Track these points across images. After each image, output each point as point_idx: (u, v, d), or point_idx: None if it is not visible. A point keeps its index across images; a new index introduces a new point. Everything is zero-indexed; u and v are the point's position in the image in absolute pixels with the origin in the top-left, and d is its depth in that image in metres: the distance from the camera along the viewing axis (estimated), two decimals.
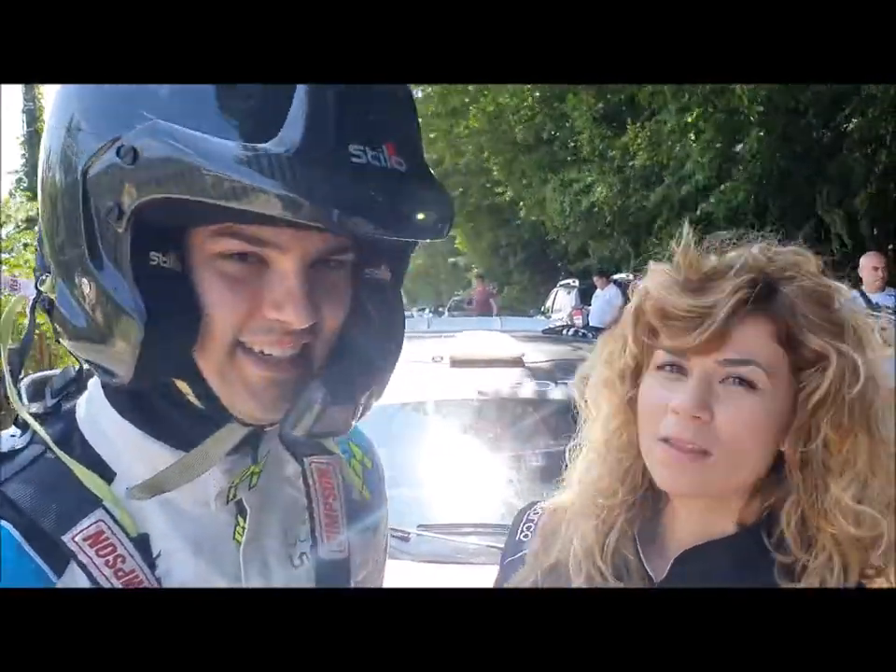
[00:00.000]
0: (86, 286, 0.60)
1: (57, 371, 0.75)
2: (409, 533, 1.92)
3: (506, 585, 0.93)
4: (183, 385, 0.64)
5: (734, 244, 0.84)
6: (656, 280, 0.81)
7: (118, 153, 0.55)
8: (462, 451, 2.37)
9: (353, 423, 0.67)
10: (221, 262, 0.59)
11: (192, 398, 0.64)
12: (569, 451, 0.94)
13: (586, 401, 0.91)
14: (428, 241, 0.62)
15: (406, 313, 0.77)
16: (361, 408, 0.66)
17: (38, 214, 0.66)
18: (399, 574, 1.66)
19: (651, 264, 0.85)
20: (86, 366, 0.74)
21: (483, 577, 1.04)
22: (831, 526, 0.76)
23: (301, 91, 0.54)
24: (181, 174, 0.53)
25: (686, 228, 0.84)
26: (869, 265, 5.36)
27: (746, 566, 0.80)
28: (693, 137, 9.11)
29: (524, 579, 0.91)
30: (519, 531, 0.99)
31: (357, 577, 0.82)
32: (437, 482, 2.29)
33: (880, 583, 0.78)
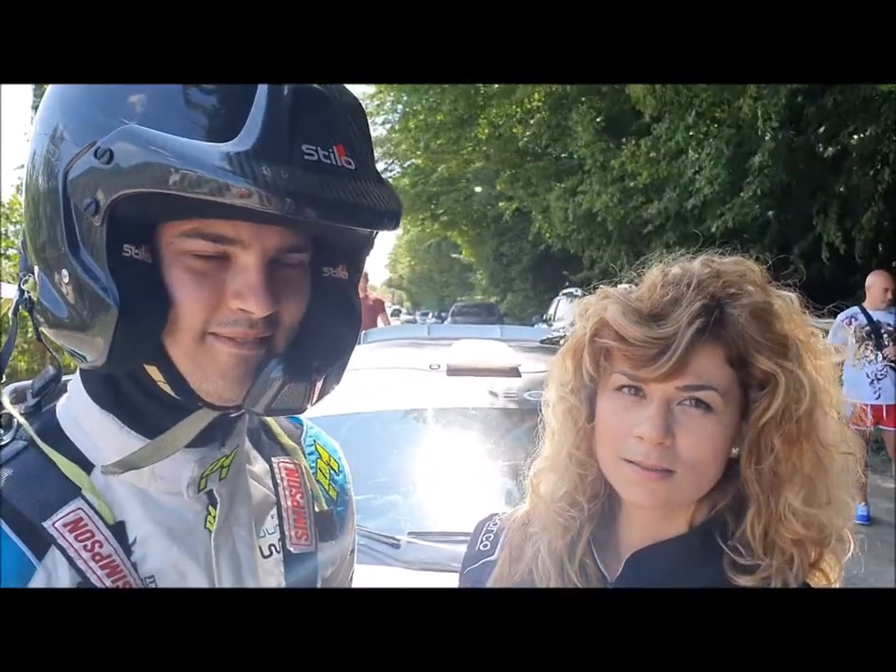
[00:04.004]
0: (66, 276, 0.64)
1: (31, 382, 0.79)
2: (399, 540, 1.92)
3: None
4: (154, 371, 0.68)
5: (683, 257, 0.88)
6: (613, 309, 0.83)
7: (95, 154, 0.61)
8: (456, 459, 2.37)
9: (308, 403, 0.70)
10: (189, 259, 0.65)
11: (163, 384, 0.68)
12: (529, 466, 0.97)
13: (546, 419, 0.94)
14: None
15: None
16: (317, 390, 0.71)
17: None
18: (389, 581, 1.67)
19: (603, 289, 0.88)
20: (64, 375, 0.78)
21: None
22: (786, 531, 0.81)
23: (260, 94, 0.60)
24: (153, 171, 0.58)
25: (654, 262, 0.87)
26: (880, 285, 5.36)
27: (694, 561, 0.86)
28: (699, 151, 9.06)
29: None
30: (479, 542, 1.02)
31: (325, 572, 0.87)
32: (431, 489, 2.29)
33: (819, 577, 0.85)
